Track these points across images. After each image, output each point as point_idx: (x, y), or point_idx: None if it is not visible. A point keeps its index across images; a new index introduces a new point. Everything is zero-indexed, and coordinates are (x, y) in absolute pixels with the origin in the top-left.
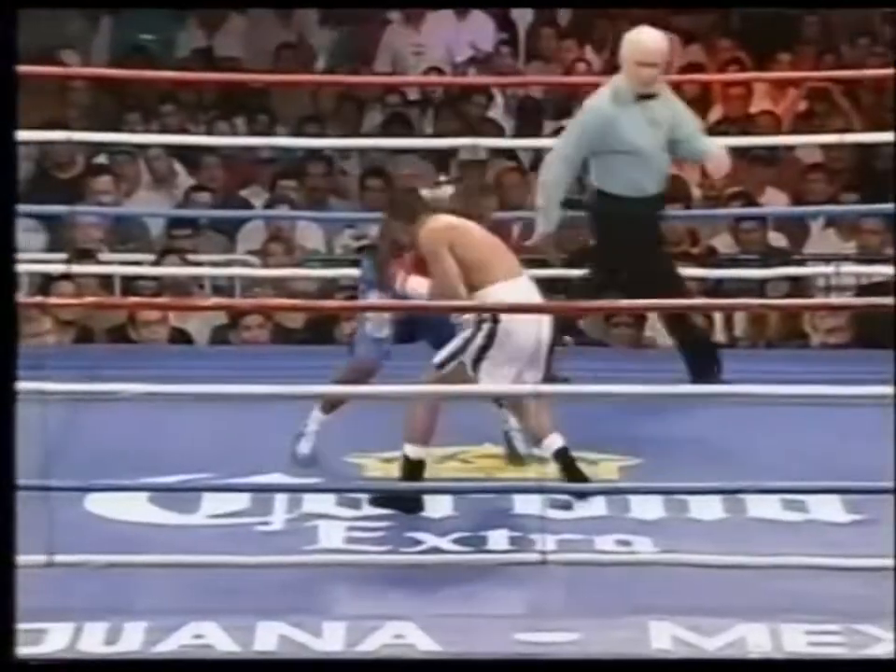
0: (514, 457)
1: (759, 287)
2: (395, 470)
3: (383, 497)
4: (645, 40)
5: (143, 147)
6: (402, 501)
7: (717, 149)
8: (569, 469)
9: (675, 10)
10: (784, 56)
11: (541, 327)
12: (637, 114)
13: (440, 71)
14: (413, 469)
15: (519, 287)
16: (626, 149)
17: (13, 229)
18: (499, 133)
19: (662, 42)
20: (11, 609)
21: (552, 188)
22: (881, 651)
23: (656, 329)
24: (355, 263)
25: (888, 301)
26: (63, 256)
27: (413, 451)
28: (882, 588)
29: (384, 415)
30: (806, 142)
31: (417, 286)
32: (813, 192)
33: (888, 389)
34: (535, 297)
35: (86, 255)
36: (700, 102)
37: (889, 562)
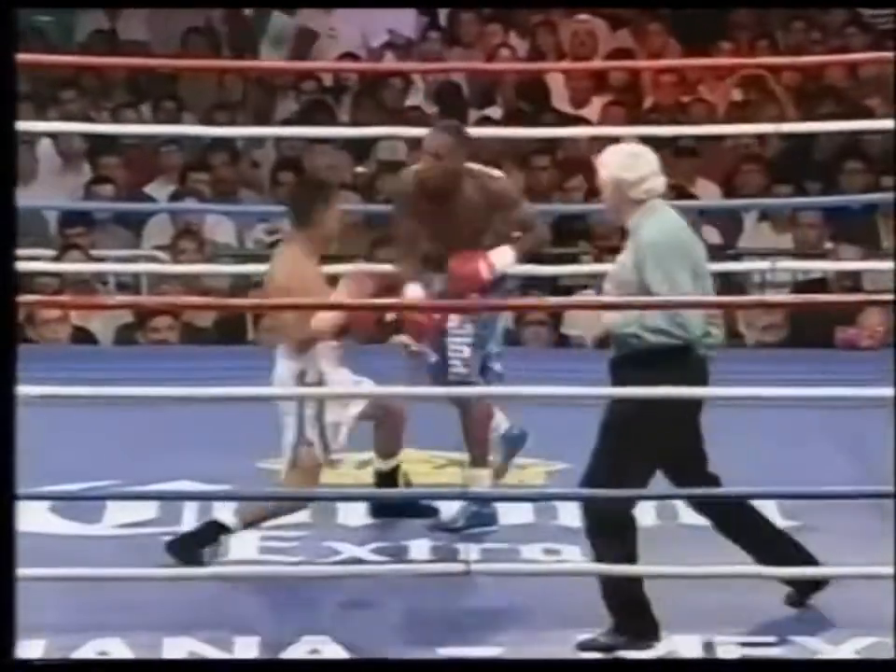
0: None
1: None
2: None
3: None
4: None
5: (42, 136)
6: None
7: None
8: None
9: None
10: (717, 41)
11: None
12: None
13: (354, 56)
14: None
15: None
16: None
17: (13, 227)
18: (424, 121)
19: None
20: (11, 609)
21: None
22: None
23: (577, 327)
24: (268, 259)
25: (825, 298)
26: None
27: (385, 465)
28: (818, 598)
29: None
30: (740, 132)
31: None
32: (747, 184)
33: (887, 392)
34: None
35: None
36: (629, 90)
37: (826, 570)
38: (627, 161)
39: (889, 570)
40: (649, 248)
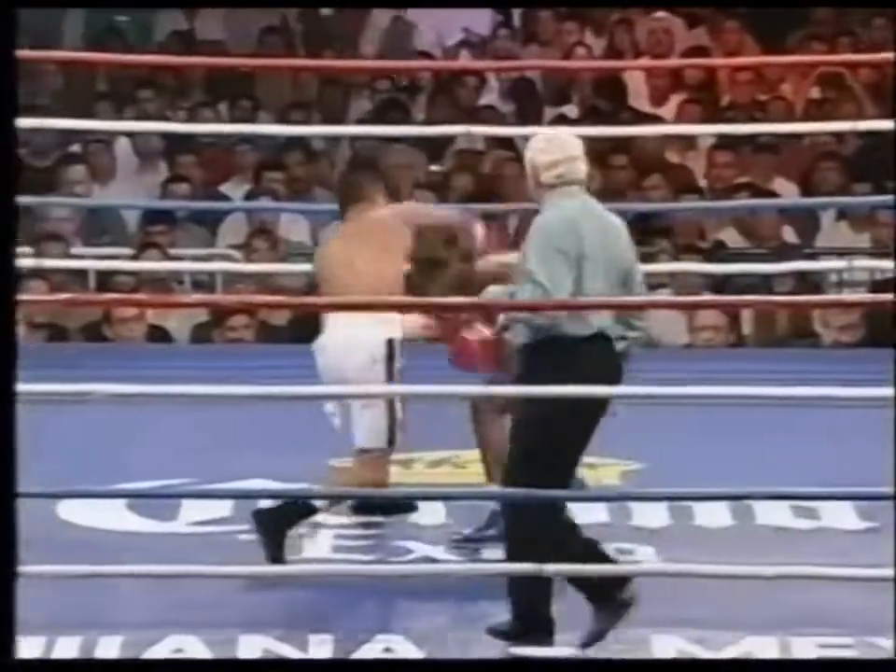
0: None
1: (765, 283)
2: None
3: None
4: None
5: (121, 135)
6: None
7: None
8: None
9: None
10: (794, 39)
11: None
12: None
13: (428, 55)
14: None
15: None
16: None
17: (13, 225)
18: (498, 120)
19: None
20: (11, 608)
21: None
22: None
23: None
24: None
25: None
26: (32, 250)
27: None
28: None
29: None
30: (817, 130)
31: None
32: (825, 182)
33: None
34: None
35: (54, 239)
36: (706, 88)
37: (826, 571)
38: (542, 144)
39: (889, 573)
40: (534, 235)
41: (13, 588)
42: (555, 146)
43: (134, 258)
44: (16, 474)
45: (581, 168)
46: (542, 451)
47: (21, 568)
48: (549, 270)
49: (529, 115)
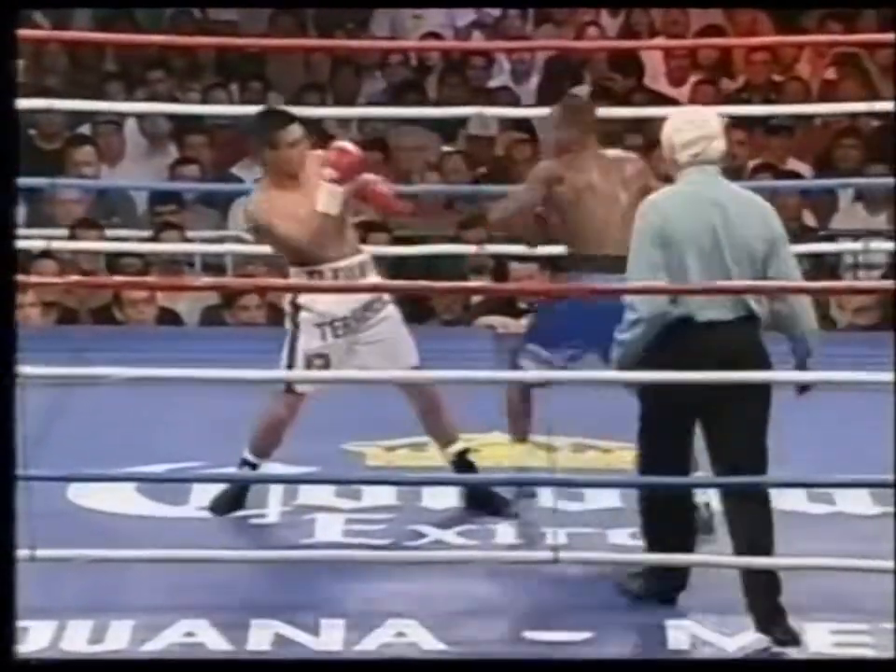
0: None
1: None
2: (397, 459)
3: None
4: None
5: (130, 116)
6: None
7: None
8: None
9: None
10: (811, 19)
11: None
12: None
13: (437, 36)
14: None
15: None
16: None
17: (13, 204)
18: (511, 101)
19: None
20: (11, 607)
21: None
22: None
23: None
24: None
25: None
26: (42, 231)
27: (252, 459)
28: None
29: (384, 402)
30: (833, 111)
31: None
32: (844, 160)
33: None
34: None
35: (88, 225)
36: (719, 68)
37: (826, 562)
38: (679, 123)
39: (889, 564)
40: (637, 216)
41: (13, 588)
42: (694, 125)
43: (150, 239)
44: (15, 458)
45: (718, 147)
46: None
47: (32, 552)
48: (634, 259)
49: (546, 96)
